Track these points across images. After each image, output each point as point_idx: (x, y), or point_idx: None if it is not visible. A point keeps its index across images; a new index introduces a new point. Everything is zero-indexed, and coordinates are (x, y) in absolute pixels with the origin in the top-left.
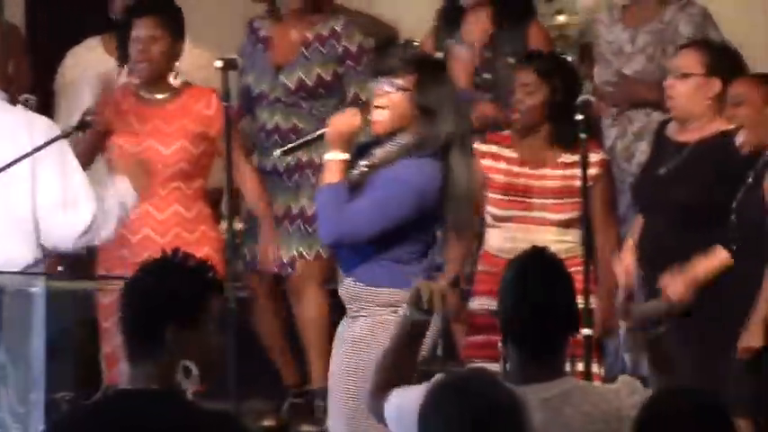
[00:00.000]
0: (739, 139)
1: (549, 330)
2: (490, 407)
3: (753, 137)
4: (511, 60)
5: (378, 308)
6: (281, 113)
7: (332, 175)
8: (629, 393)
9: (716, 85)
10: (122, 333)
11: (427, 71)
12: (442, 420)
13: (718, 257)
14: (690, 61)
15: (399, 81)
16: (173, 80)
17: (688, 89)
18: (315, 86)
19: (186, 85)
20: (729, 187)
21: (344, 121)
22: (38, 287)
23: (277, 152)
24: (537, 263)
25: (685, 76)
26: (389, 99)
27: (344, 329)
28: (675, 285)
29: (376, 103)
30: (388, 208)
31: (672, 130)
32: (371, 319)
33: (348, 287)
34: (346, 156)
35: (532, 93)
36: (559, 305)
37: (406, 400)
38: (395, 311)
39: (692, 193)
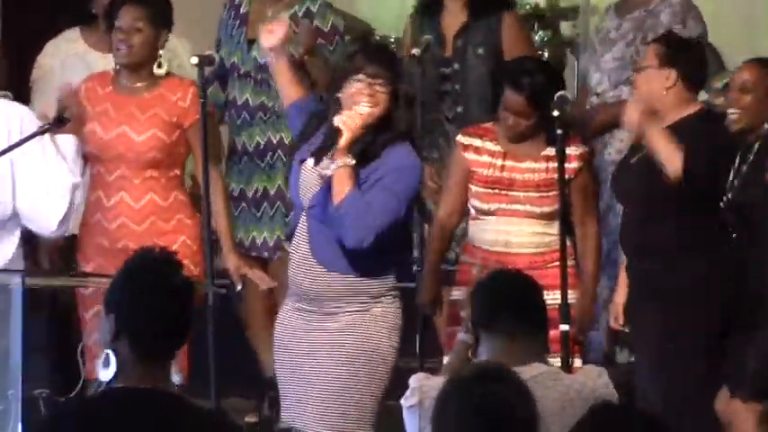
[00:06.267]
0: (731, 118)
1: (518, 328)
2: (504, 401)
3: (745, 121)
4: (480, 52)
5: (370, 299)
6: (251, 90)
7: (347, 182)
8: (598, 375)
9: (670, 75)
10: (133, 331)
11: (399, 67)
12: (456, 413)
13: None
14: (647, 54)
15: (385, 80)
16: (156, 69)
17: (644, 81)
18: None
19: (167, 75)
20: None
21: (357, 125)
22: (16, 283)
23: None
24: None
25: (641, 68)
26: (378, 98)
27: (321, 326)
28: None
29: (366, 102)
30: (401, 195)
31: None
32: (365, 313)
33: (333, 281)
34: (354, 161)
35: (526, 116)
36: (530, 306)
37: (430, 388)
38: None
39: (657, 179)
